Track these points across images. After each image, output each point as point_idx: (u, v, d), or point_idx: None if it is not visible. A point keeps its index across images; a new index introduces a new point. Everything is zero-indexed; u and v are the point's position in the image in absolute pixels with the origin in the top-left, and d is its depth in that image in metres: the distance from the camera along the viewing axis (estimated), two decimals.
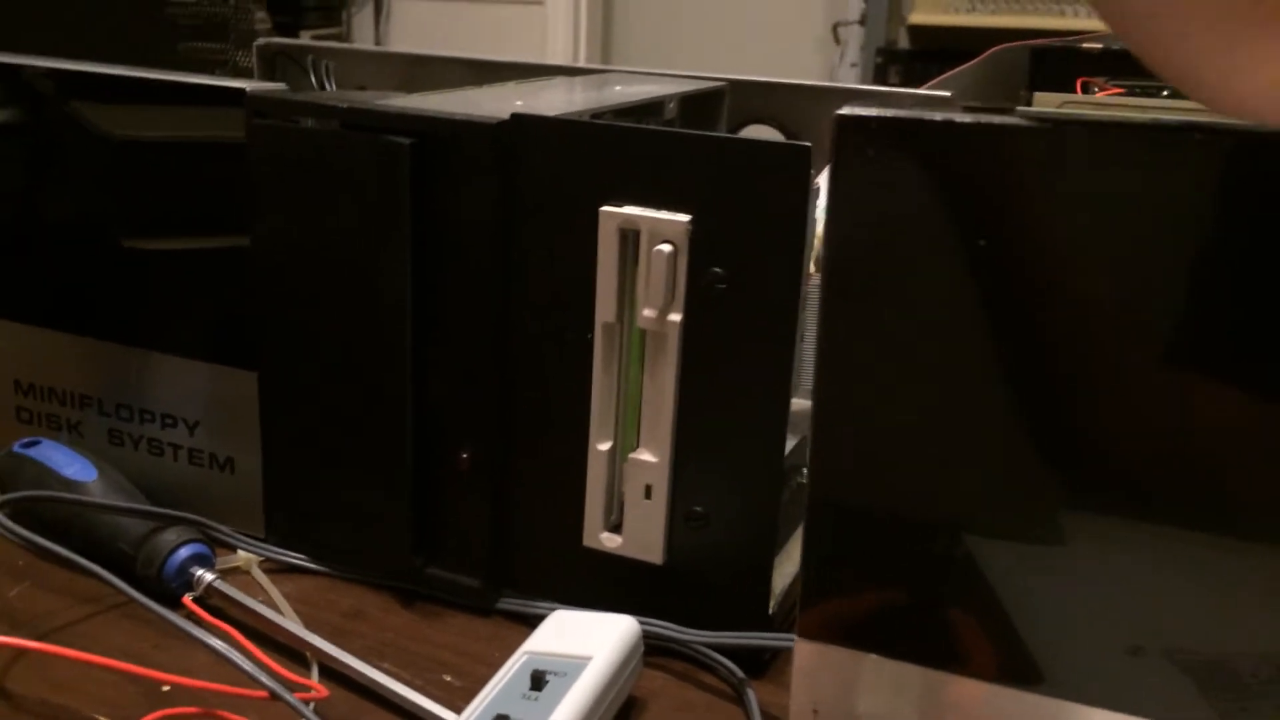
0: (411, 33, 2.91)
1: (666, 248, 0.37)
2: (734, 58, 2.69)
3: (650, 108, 0.51)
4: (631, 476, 0.40)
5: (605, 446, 0.40)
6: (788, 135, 0.59)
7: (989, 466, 0.28)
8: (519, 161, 0.39)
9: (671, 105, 0.53)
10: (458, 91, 0.48)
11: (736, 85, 0.59)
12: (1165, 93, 0.66)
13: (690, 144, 0.37)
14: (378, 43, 2.73)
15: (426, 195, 0.39)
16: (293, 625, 0.41)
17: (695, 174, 0.37)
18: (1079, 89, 0.62)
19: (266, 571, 0.45)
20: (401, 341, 0.41)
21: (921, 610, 0.29)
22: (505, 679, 0.35)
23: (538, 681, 0.34)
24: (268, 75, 0.72)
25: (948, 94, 0.58)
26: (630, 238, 0.38)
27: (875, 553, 0.29)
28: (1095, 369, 0.26)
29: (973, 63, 0.65)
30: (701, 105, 0.57)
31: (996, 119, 0.26)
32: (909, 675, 0.29)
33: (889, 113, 0.26)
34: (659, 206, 0.37)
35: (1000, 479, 0.28)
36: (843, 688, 0.29)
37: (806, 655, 0.29)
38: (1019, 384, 0.27)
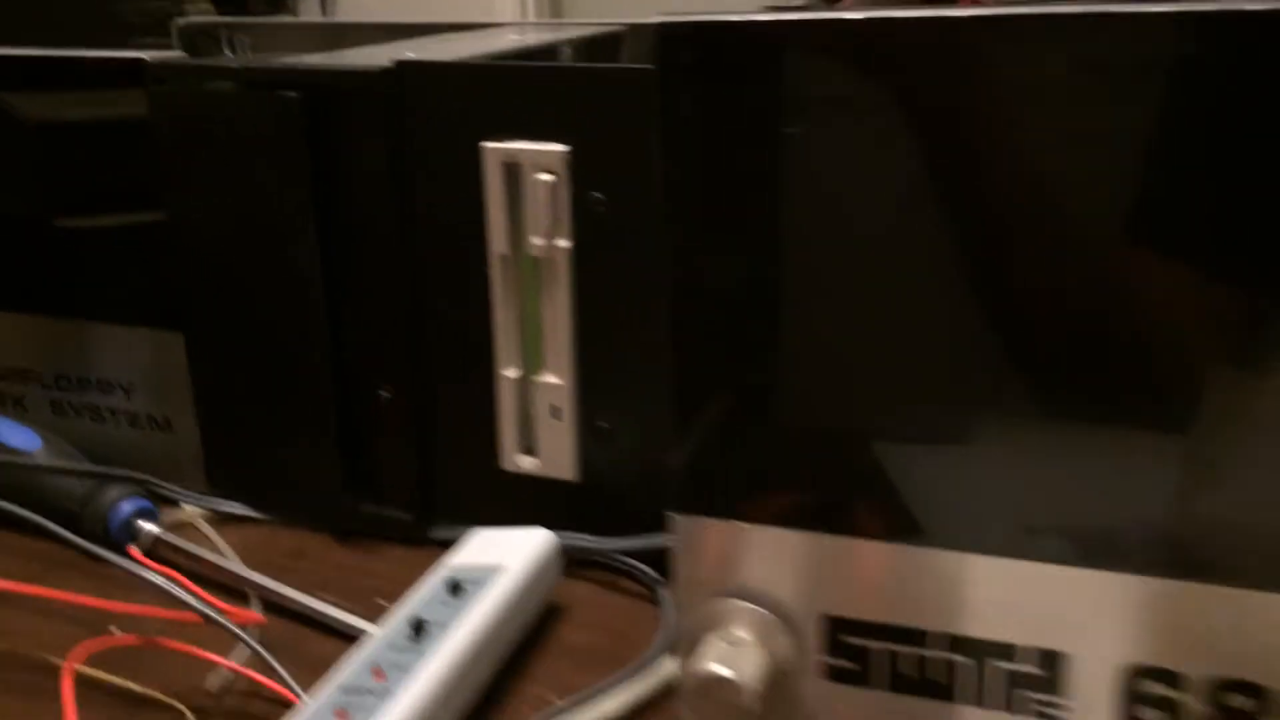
0: (360, 17, 2.90)
1: (547, 177, 0.39)
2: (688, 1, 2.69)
3: (544, 53, 0.53)
4: (539, 399, 0.42)
5: (512, 372, 0.43)
6: None
7: (876, 355, 0.29)
8: (406, 107, 0.41)
9: (566, 50, 0.54)
10: (356, 49, 0.50)
11: (636, 29, 0.61)
12: None
13: (562, 77, 0.39)
14: (323, 9, 2.71)
15: (322, 146, 0.41)
16: (233, 564, 0.43)
17: (570, 105, 0.39)
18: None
19: (211, 523, 0.48)
20: (314, 291, 0.43)
21: (796, 480, 0.31)
22: (424, 590, 0.37)
23: (454, 589, 0.37)
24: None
25: None
26: (514, 171, 0.40)
27: (744, 424, 0.31)
28: (987, 259, 0.28)
29: None
30: (600, 50, 0.59)
31: (811, 15, 0.28)
32: (786, 540, 0.31)
33: (709, 17, 0.28)
34: (541, 139, 0.39)
35: (888, 368, 0.29)
36: (722, 558, 0.31)
37: (684, 529, 0.31)
38: (893, 279, 0.29)
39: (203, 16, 0.74)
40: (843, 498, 0.30)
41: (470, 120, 0.40)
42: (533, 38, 0.55)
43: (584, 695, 0.35)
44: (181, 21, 0.75)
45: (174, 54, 0.44)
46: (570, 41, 0.56)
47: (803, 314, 0.30)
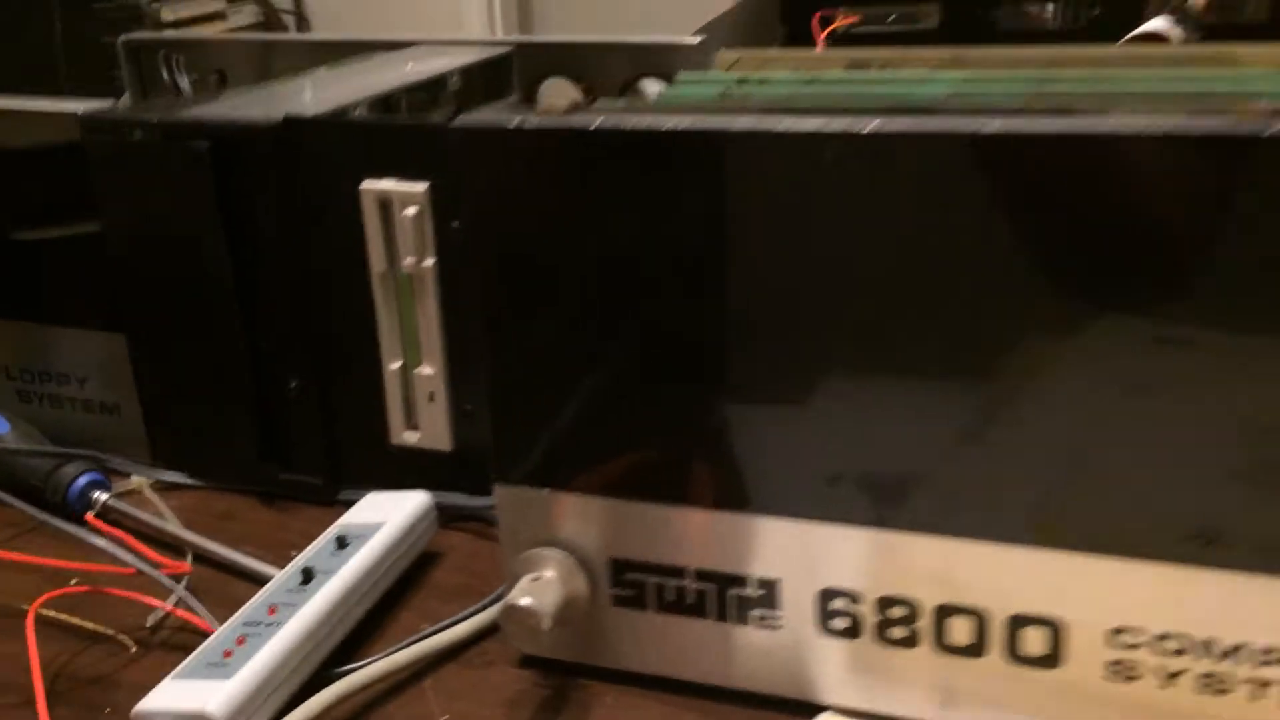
0: (331, 8, 2.91)
1: (413, 210, 0.48)
2: (653, 16, 2.72)
3: (436, 83, 0.62)
4: (419, 386, 0.52)
5: (396, 365, 0.52)
6: (579, 85, 0.70)
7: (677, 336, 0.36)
8: (297, 154, 0.50)
9: (454, 79, 0.63)
10: (266, 86, 0.58)
11: (524, 47, 0.70)
12: (892, 18, 0.77)
13: (418, 131, 0.48)
14: (298, 21, 2.73)
15: (231, 185, 0.50)
16: (171, 526, 0.52)
17: (429, 152, 0.48)
18: (816, 23, 0.73)
19: (157, 491, 0.57)
20: (230, 302, 0.52)
21: (590, 458, 0.40)
22: (317, 544, 0.46)
23: (341, 543, 0.46)
24: (134, 68, 0.82)
25: (697, 40, 0.69)
26: (387, 205, 0.49)
27: (543, 419, 0.40)
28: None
29: (735, 4, 0.75)
30: (493, 71, 0.68)
31: (573, 122, 0.36)
32: (583, 504, 0.40)
33: (485, 122, 0.37)
34: (408, 178, 0.48)
35: (683, 346, 0.37)
36: (533, 518, 0.41)
37: (504, 496, 0.41)
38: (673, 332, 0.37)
39: (144, 34, 0.82)
40: (625, 473, 0.40)
41: (349, 164, 0.49)
42: (427, 66, 0.63)
43: (445, 623, 0.45)
44: (124, 38, 0.83)
45: (104, 105, 0.53)
46: (461, 69, 0.64)
47: (589, 331, 0.38)
